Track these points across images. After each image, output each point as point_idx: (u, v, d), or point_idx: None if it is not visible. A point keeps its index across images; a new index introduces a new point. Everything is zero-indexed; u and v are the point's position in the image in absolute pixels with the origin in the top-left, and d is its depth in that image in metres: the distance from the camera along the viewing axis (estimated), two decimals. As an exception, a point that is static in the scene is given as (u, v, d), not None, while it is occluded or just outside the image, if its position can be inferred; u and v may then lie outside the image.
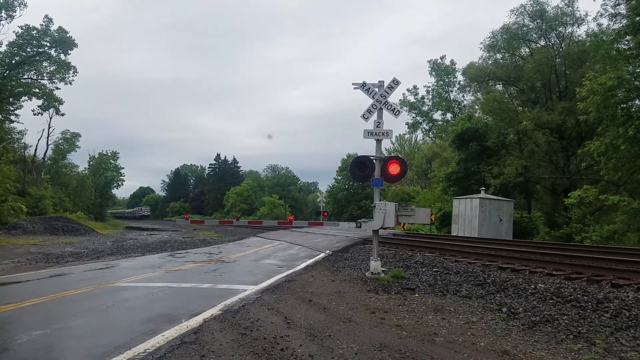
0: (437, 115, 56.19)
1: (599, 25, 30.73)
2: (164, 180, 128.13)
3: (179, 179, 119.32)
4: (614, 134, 22.06)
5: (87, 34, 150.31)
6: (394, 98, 58.90)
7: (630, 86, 22.22)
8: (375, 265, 10.21)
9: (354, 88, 10.67)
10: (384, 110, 10.48)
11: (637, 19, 21.36)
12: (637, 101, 23.26)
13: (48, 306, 6.79)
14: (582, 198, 24.83)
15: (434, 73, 54.86)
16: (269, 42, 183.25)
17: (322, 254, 14.93)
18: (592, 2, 46.27)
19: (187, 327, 5.49)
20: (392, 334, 5.58)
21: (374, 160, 10.36)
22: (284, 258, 14.22)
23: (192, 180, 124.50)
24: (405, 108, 55.37)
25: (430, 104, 56.10)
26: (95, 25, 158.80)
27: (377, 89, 10.50)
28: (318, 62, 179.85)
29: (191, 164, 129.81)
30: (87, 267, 11.62)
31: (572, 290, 7.58)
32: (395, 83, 10.53)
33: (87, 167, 65.88)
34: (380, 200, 10.32)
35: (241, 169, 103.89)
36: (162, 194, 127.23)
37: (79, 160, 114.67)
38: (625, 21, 23.42)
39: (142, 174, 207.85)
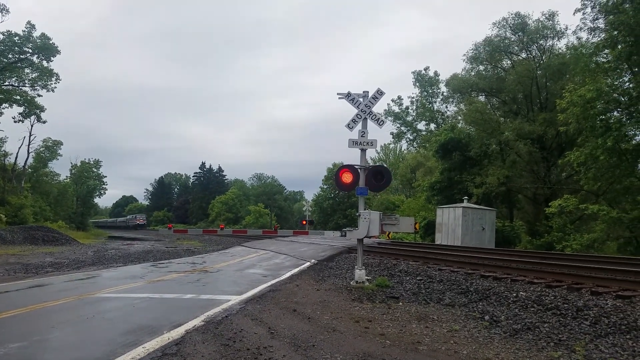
0: (421, 126, 56.87)
1: (579, 38, 31.63)
2: (147, 189, 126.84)
3: (163, 187, 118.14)
4: (593, 145, 22.56)
5: (73, 40, 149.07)
6: (379, 108, 59.32)
7: (608, 98, 22.82)
8: (359, 274, 10.22)
9: (339, 98, 10.76)
10: (368, 120, 10.57)
11: (615, 33, 21.99)
12: (615, 113, 23.88)
13: (26, 318, 6.63)
14: (563, 207, 25.25)
15: (418, 84, 55.54)
16: (258, 52, 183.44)
17: (308, 263, 14.90)
18: (572, 16, 47.49)
19: (169, 339, 5.42)
20: (376, 343, 5.58)
21: (359, 170, 10.43)
22: (268, 267, 14.14)
23: (176, 189, 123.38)
24: (389, 118, 55.90)
25: (414, 114, 56.74)
26: (81, 32, 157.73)
27: (361, 99, 10.59)
28: (306, 72, 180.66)
29: (175, 173, 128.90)
30: (68, 278, 11.40)
31: (552, 298, 7.68)
32: (379, 93, 10.65)
33: (69, 175, 64.82)
34: (365, 209, 10.37)
35: (226, 177, 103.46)
36: (146, 202, 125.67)
37: (61, 168, 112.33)
38: (603, 35, 24.12)
39: (125, 182, 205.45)
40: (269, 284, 10.28)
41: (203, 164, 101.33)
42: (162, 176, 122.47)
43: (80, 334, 5.81)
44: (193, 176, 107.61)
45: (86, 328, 6.10)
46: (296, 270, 13.13)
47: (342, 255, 17.03)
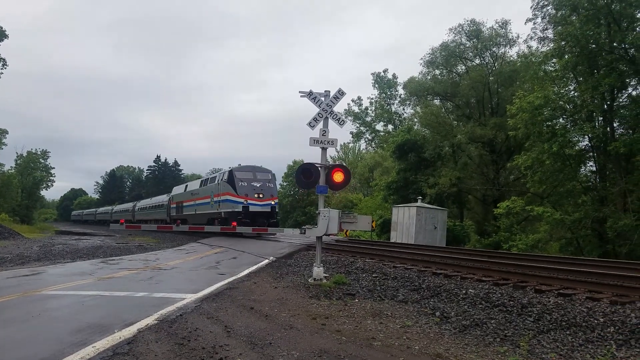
0: (379, 126, 57.83)
1: (529, 47, 33.05)
2: (97, 182, 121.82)
3: (115, 180, 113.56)
4: (539, 150, 23.71)
5: (26, 25, 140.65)
6: (340, 108, 59.86)
7: (555, 105, 24.07)
8: (317, 271, 10.30)
9: (301, 96, 10.77)
10: (329, 120, 10.65)
11: (562, 43, 23.19)
12: (561, 120, 25.21)
13: (-36, 317, 6.27)
14: (510, 208, 26.38)
15: (377, 85, 56.38)
16: (220, 46, 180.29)
17: (266, 260, 14.83)
18: (524, 25, 49.65)
19: (120, 338, 5.28)
20: (332, 339, 5.67)
21: (319, 168, 10.48)
22: (226, 265, 13.97)
23: (128, 183, 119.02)
24: (350, 118, 56.50)
25: (373, 115, 57.62)
26: (34, 17, 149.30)
27: (323, 99, 10.65)
28: (269, 68, 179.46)
29: (128, 166, 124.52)
30: (11, 274, 10.81)
31: (499, 295, 8.03)
32: (340, 93, 10.75)
33: (14, 166, 61.44)
34: (324, 207, 10.45)
35: (183, 172, 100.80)
36: (96, 196, 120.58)
37: (5, 158, 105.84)
38: (552, 45, 25.39)
39: (74, 175, 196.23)
40: (226, 281, 10.17)
41: (158, 157, 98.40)
42: (113, 169, 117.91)
43: (26, 332, 5.54)
44: (147, 169, 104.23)
45: (32, 326, 5.83)
46: (254, 267, 13.05)
47: (301, 253, 17.06)
